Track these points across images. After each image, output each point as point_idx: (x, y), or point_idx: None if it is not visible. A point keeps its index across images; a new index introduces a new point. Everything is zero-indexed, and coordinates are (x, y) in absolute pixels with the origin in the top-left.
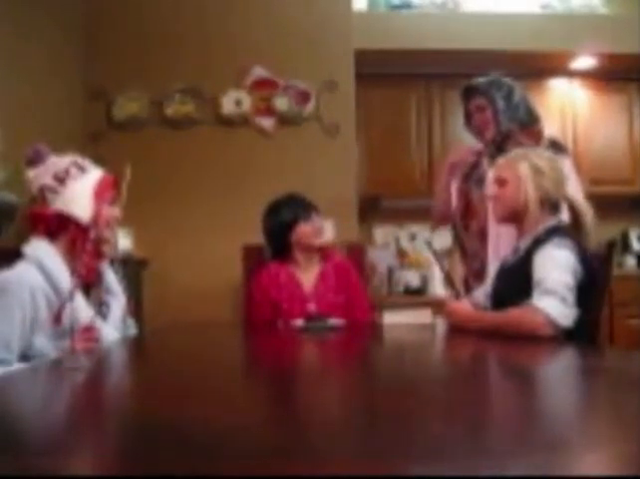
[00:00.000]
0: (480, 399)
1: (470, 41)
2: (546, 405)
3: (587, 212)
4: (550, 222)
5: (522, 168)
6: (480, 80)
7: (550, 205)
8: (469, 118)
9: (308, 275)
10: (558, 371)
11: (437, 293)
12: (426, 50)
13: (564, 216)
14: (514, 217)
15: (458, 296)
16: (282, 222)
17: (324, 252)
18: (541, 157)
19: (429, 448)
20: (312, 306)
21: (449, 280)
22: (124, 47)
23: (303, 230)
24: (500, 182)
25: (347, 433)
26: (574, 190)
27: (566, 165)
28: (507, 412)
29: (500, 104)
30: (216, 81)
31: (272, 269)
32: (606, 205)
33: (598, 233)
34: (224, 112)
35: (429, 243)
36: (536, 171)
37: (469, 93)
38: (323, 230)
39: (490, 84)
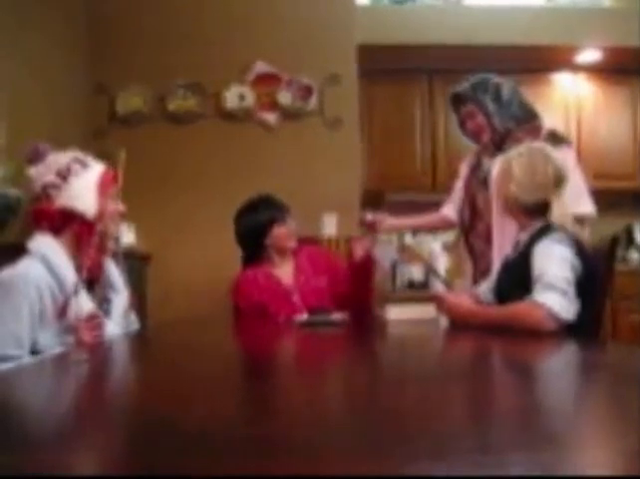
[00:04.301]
0: (483, 395)
1: (473, 35)
2: (549, 401)
3: (559, 212)
4: (540, 222)
5: (496, 171)
6: (465, 85)
7: (524, 209)
8: (462, 124)
9: (284, 271)
10: (561, 367)
11: (439, 289)
12: (429, 44)
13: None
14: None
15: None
16: (258, 224)
17: (294, 248)
18: (524, 158)
19: (430, 444)
20: (296, 298)
21: (447, 285)
22: (126, 42)
23: (278, 232)
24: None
25: (347, 430)
26: (573, 182)
27: (568, 156)
28: (510, 408)
29: (491, 107)
30: (219, 76)
31: (250, 275)
32: (610, 199)
33: (602, 227)
34: (227, 107)
35: (419, 256)
36: (506, 175)
37: (455, 101)
38: (296, 231)
39: (475, 88)
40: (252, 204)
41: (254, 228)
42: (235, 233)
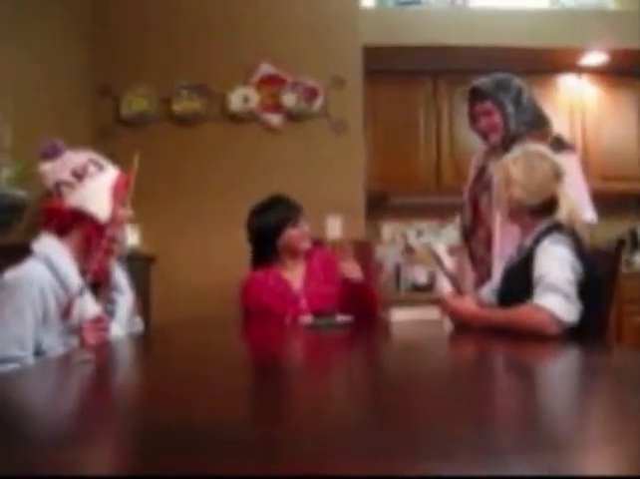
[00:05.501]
0: (486, 398)
1: (478, 37)
2: (553, 404)
3: (566, 204)
4: (546, 221)
5: (498, 177)
6: (486, 81)
7: (531, 210)
8: (474, 119)
9: (295, 274)
10: (564, 370)
11: (444, 291)
12: (434, 46)
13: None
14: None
15: (461, 293)
16: (270, 225)
17: (307, 251)
18: (520, 161)
19: (434, 446)
20: (304, 303)
21: (453, 281)
22: (131, 44)
23: (291, 234)
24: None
25: (352, 431)
26: (575, 187)
27: (571, 161)
28: (514, 410)
29: (510, 108)
30: (224, 77)
31: (259, 276)
32: (615, 202)
33: (607, 230)
34: (232, 108)
35: (430, 250)
36: (506, 181)
37: (475, 96)
38: (308, 233)
39: (497, 86)
40: (265, 203)
41: (266, 228)
42: (247, 232)
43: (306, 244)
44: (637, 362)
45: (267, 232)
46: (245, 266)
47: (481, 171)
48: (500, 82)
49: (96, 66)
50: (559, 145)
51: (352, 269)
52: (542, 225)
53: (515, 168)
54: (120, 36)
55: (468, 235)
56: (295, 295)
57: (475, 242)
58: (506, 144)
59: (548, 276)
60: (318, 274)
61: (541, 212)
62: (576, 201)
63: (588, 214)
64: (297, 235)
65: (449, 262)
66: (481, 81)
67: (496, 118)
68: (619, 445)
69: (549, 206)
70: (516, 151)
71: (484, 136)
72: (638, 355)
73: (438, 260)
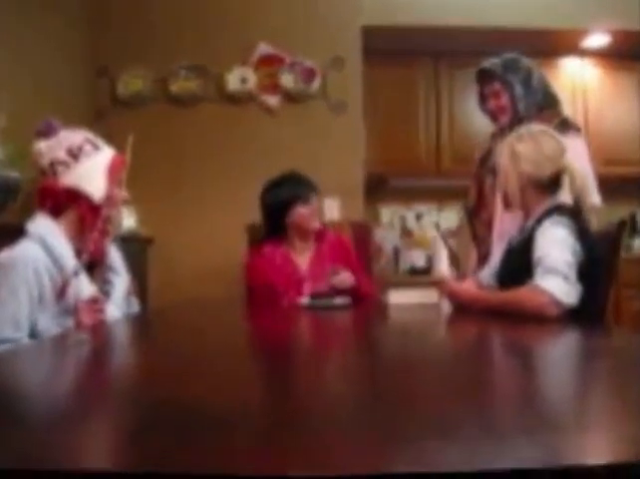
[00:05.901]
0: (486, 380)
1: (479, 18)
2: (551, 386)
3: (578, 177)
4: (550, 201)
5: (503, 157)
6: (495, 62)
7: (539, 185)
8: (483, 100)
9: (303, 256)
10: (563, 352)
11: (442, 273)
12: (435, 26)
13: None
14: (509, 202)
15: (462, 277)
16: (279, 202)
17: (318, 232)
18: (525, 138)
19: (433, 428)
20: (308, 286)
21: (455, 261)
22: (128, 24)
23: (300, 212)
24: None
25: (349, 414)
26: (583, 171)
27: (576, 143)
28: (511, 393)
29: (519, 90)
30: (222, 58)
31: (267, 253)
32: (615, 186)
33: (607, 214)
34: (229, 89)
35: (437, 226)
36: (514, 158)
37: (484, 77)
38: (320, 212)
39: (507, 67)
40: (277, 180)
41: (276, 205)
42: (260, 207)
43: (316, 224)
44: (637, 344)
45: (277, 208)
46: (244, 248)
47: (488, 153)
48: (509, 62)
49: (93, 47)
50: (564, 126)
51: (343, 280)
52: (546, 204)
53: (522, 145)
54: (116, 17)
55: (471, 216)
56: (301, 278)
57: (478, 224)
58: (514, 125)
59: (548, 258)
60: (326, 259)
61: (548, 188)
62: (584, 173)
63: (594, 197)
64: (306, 213)
65: (451, 244)
66: (491, 62)
67: (504, 99)
68: (617, 428)
69: (556, 181)
70: (520, 130)
71: (494, 117)
72: (638, 337)
73: (442, 240)
